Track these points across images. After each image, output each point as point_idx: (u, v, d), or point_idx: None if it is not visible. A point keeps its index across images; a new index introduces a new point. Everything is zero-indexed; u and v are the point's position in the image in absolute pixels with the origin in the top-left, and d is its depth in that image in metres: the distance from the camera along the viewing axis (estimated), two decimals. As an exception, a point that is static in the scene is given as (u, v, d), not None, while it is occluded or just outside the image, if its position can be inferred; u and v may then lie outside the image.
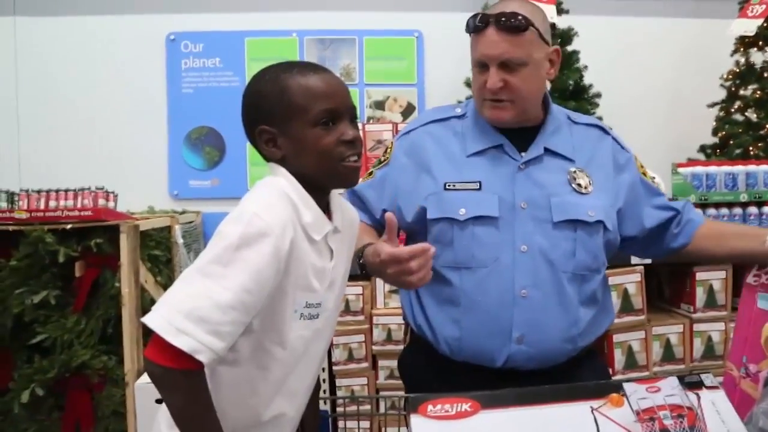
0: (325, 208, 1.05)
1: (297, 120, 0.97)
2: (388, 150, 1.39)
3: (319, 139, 0.97)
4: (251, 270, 0.88)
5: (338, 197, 1.11)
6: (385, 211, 1.32)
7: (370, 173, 1.40)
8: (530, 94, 1.25)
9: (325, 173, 0.99)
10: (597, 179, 1.28)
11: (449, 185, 1.25)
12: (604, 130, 1.37)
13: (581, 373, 1.26)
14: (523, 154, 1.26)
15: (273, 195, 0.96)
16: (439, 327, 1.25)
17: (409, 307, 1.35)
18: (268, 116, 0.99)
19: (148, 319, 0.85)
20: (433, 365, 1.29)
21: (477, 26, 1.22)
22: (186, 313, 0.85)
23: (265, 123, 0.99)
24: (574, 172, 1.26)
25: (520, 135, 1.28)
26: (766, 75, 3.02)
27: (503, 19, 1.18)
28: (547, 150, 1.27)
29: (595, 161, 1.30)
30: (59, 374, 1.92)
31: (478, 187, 1.24)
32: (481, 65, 1.23)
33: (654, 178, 1.38)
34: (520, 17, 1.18)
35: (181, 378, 0.87)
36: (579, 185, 1.25)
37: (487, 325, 1.20)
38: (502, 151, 1.27)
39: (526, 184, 1.23)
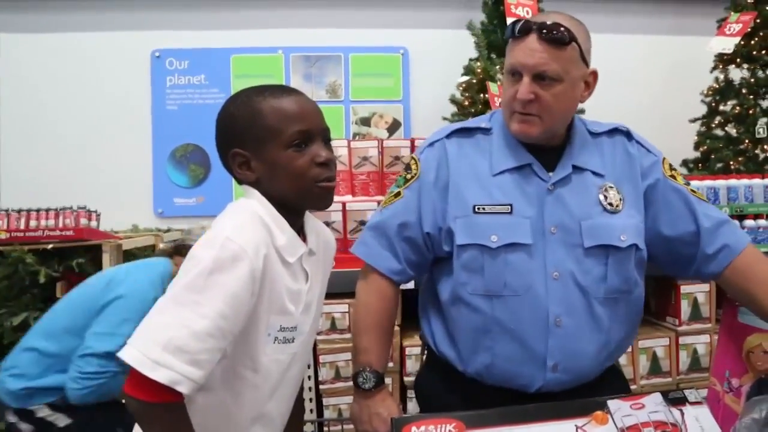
0: (299, 230, 1.04)
1: (270, 142, 0.96)
2: (414, 164, 1.28)
3: (292, 161, 0.96)
4: (226, 295, 0.86)
5: (313, 219, 1.10)
6: (428, 235, 1.22)
7: (397, 194, 1.27)
8: (560, 113, 1.17)
9: (299, 195, 0.98)
10: (627, 193, 1.20)
11: (479, 208, 1.18)
12: (628, 135, 1.27)
13: (606, 388, 1.20)
14: (550, 174, 1.19)
15: (245, 217, 0.95)
16: (468, 353, 1.19)
17: (431, 331, 1.29)
18: (241, 139, 0.98)
19: (125, 354, 0.83)
20: (457, 388, 1.23)
21: (518, 32, 1.14)
22: (163, 344, 0.83)
23: (238, 146, 0.98)
24: (605, 189, 1.19)
25: (547, 153, 1.21)
26: (744, 91, 3.08)
27: (546, 29, 1.12)
28: (575, 168, 1.20)
29: (624, 173, 1.22)
30: (40, 398, 1.88)
31: (509, 210, 1.17)
32: (514, 73, 1.15)
33: (688, 184, 1.24)
34: (563, 30, 1.12)
35: (161, 411, 0.86)
36: (610, 204, 1.18)
37: (520, 353, 1.15)
38: (530, 170, 1.19)
39: (556, 208, 1.17)
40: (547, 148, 1.22)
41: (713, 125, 3.17)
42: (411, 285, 1.61)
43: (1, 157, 3.15)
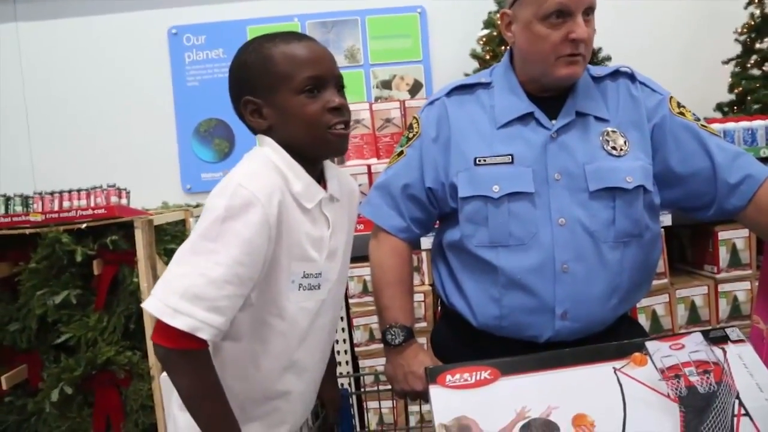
0: (319, 177, 1.03)
1: (281, 89, 0.95)
2: (415, 123, 1.29)
3: (304, 107, 0.95)
4: (241, 241, 0.87)
5: (334, 167, 1.09)
6: (430, 189, 1.24)
7: (400, 153, 1.29)
8: (591, 49, 1.17)
9: (312, 142, 0.97)
10: (632, 137, 1.18)
11: (480, 160, 1.18)
12: (632, 77, 1.25)
13: (621, 337, 1.16)
14: (553, 121, 1.18)
15: (258, 164, 0.95)
16: (478, 306, 1.20)
17: (442, 285, 1.30)
18: (252, 87, 0.97)
19: (147, 304, 0.87)
20: (470, 341, 1.24)
21: None
22: (181, 293, 0.85)
23: (249, 94, 0.98)
24: (607, 133, 1.17)
25: (550, 101, 1.20)
26: (782, 25, 2.92)
27: None
28: (578, 114, 1.19)
29: (629, 117, 1.20)
30: (86, 372, 1.94)
31: (510, 160, 1.16)
32: (559, 15, 1.10)
33: (698, 120, 1.20)
34: None
35: (185, 358, 0.88)
36: (613, 148, 1.16)
37: (529, 303, 1.15)
38: (532, 119, 1.19)
39: (560, 155, 1.16)
40: (550, 97, 1.20)
41: (749, 65, 3.02)
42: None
43: (31, 143, 3.22)
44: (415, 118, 1.31)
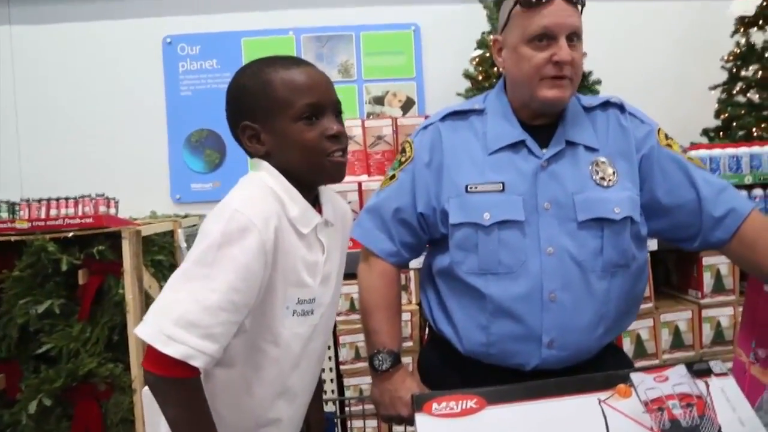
0: (314, 201, 1.03)
1: (280, 115, 0.95)
2: (408, 147, 1.30)
3: (302, 134, 0.95)
4: (237, 267, 0.86)
5: (329, 191, 1.09)
6: (422, 215, 1.24)
7: (392, 176, 1.30)
8: (580, 75, 1.18)
9: (309, 169, 0.98)
10: (621, 167, 1.19)
11: (471, 187, 1.19)
12: (621, 108, 1.26)
13: (607, 366, 1.20)
14: (544, 150, 1.20)
15: (255, 189, 0.95)
16: (466, 333, 1.20)
17: (430, 310, 1.30)
18: (250, 111, 0.97)
19: (139, 330, 0.85)
20: (457, 367, 1.24)
21: None
22: (175, 319, 0.83)
23: (248, 118, 0.97)
24: (597, 163, 1.19)
25: (541, 130, 1.22)
26: (767, 55, 2.98)
27: None
28: (568, 143, 1.20)
29: (618, 147, 1.21)
30: (66, 383, 1.92)
31: (501, 188, 1.17)
32: (542, 38, 1.14)
33: (685, 152, 1.23)
34: None
35: (176, 386, 0.87)
36: (602, 178, 1.17)
37: (516, 331, 1.16)
38: (524, 147, 1.20)
39: (550, 184, 1.17)
40: (542, 125, 1.22)
41: (735, 91, 3.07)
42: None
43: (20, 148, 3.19)
44: (408, 142, 1.31)
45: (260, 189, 0.95)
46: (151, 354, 0.85)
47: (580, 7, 1.17)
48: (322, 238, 1.03)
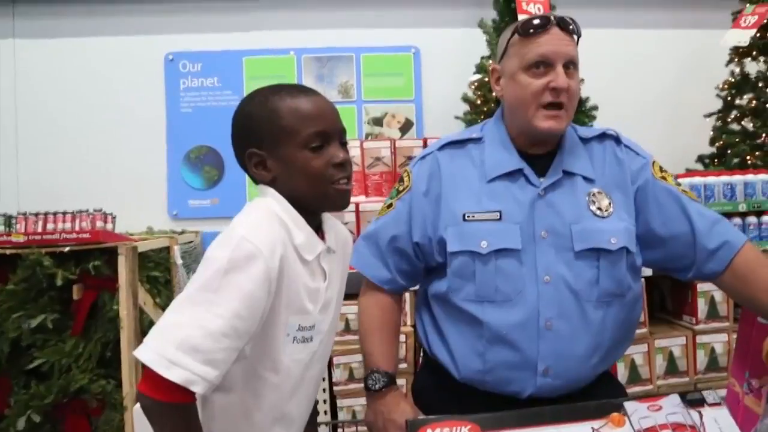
0: (317, 228, 1.04)
1: (287, 143, 0.96)
2: (406, 177, 1.31)
3: (309, 162, 0.96)
4: (242, 295, 0.86)
5: (331, 218, 1.10)
6: (417, 244, 1.25)
7: (389, 205, 1.31)
8: (576, 104, 1.21)
9: (315, 196, 0.99)
10: (617, 198, 1.21)
11: (468, 216, 1.20)
12: (617, 140, 1.28)
13: (601, 394, 1.19)
14: (541, 179, 1.21)
15: (262, 216, 0.95)
16: (462, 359, 1.21)
17: (425, 334, 1.31)
18: (257, 139, 0.98)
19: (140, 353, 0.84)
20: (451, 393, 1.24)
21: (539, 25, 1.16)
22: (177, 344, 0.83)
23: (254, 146, 0.99)
24: (593, 194, 1.20)
25: (538, 159, 1.23)
26: (761, 85, 3.03)
27: (564, 21, 1.18)
28: (566, 173, 1.22)
29: (614, 178, 1.23)
30: (57, 399, 1.90)
31: (498, 217, 1.18)
32: (540, 65, 1.16)
33: (679, 185, 1.24)
34: (573, 22, 1.20)
35: (173, 411, 0.86)
36: (599, 209, 1.19)
37: (512, 359, 1.16)
38: (521, 176, 1.22)
39: (547, 212, 1.18)
40: (539, 155, 1.24)
41: (729, 120, 3.12)
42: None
43: (18, 161, 3.19)
44: (406, 171, 1.33)
45: (267, 215, 0.96)
46: (150, 377, 0.84)
47: (576, 36, 1.21)
48: (324, 265, 1.03)
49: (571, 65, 1.17)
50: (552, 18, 1.18)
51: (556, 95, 1.16)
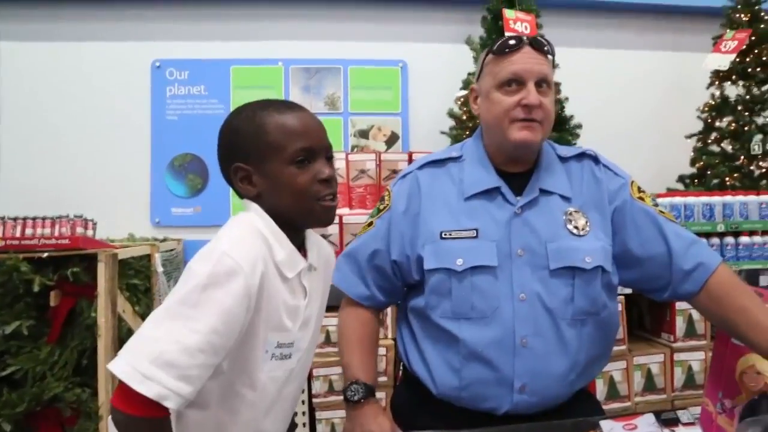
0: (300, 245, 1.04)
1: (273, 158, 0.96)
2: (387, 196, 1.33)
3: (294, 178, 0.96)
4: (220, 311, 0.86)
5: (314, 234, 1.10)
6: (395, 262, 1.26)
7: (370, 223, 1.33)
8: (551, 120, 1.23)
9: (300, 212, 0.98)
10: (594, 217, 1.22)
11: (445, 234, 1.21)
12: (596, 159, 1.30)
13: (577, 412, 1.20)
14: (518, 197, 1.23)
15: (244, 232, 0.95)
16: (439, 375, 1.21)
17: (405, 350, 1.31)
18: (243, 154, 0.98)
19: (114, 366, 0.83)
20: (430, 408, 1.24)
21: (512, 45, 1.20)
22: (152, 358, 0.82)
23: (240, 160, 0.98)
24: (570, 213, 1.22)
25: (516, 177, 1.25)
26: (740, 108, 3.09)
27: (537, 41, 1.21)
28: (543, 191, 1.23)
29: (592, 197, 1.25)
30: (29, 407, 1.87)
31: (474, 234, 1.20)
32: (511, 83, 1.19)
33: (657, 205, 1.25)
34: (547, 41, 1.23)
35: (145, 425, 0.85)
36: (575, 227, 1.20)
37: (488, 376, 1.17)
38: (498, 194, 1.23)
39: (523, 231, 1.19)
40: (517, 173, 1.26)
41: (709, 141, 3.18)
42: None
43: (0, 165, 3.15)
44: (387, 190, 1.34)
45: (249, 231, 0.95)
46: (123, 391, 0.83)
47: (550, 56, 1.23)
48: (305, 282, 1.03)
49: (543, 83, 1.20)
50: (524, 38, 1.21)
51: (528, 111, 1.18)
